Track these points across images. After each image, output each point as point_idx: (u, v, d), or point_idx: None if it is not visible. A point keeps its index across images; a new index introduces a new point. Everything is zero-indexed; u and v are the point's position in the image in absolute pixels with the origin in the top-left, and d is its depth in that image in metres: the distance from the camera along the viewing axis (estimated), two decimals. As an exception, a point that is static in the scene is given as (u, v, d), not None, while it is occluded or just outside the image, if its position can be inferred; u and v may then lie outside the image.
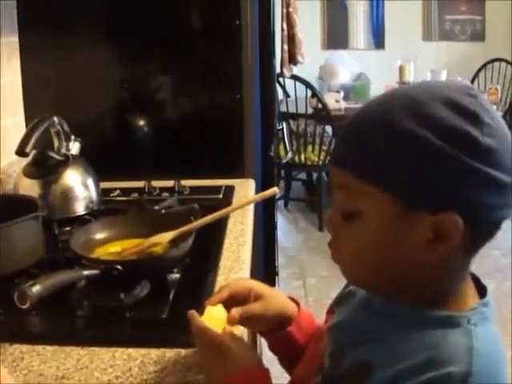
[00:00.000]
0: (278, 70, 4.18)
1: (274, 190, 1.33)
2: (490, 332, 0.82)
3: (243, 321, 1.03)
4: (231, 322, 1.01)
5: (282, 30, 4.51)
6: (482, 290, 0.87)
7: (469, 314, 0.81)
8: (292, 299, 1.11)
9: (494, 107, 0.85)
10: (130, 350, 1.09)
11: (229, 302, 1.04)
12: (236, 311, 1.02)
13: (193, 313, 0.99)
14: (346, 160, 0.81)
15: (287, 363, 1.12)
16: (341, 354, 0.87)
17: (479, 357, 0.76)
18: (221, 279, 1.36)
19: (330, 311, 1.02)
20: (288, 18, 4.53)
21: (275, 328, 1.08)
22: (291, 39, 4.61)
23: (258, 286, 1.09)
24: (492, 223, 0.80)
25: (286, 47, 4.58)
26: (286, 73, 4.67)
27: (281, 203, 5.32)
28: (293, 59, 4.68)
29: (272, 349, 1.12)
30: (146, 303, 1.25)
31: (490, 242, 0.82)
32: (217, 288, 1.30)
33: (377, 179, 0.78)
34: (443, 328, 0.79)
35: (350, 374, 0.84)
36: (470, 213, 0.77)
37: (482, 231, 0.80)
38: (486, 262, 3.98)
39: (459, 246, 0.79)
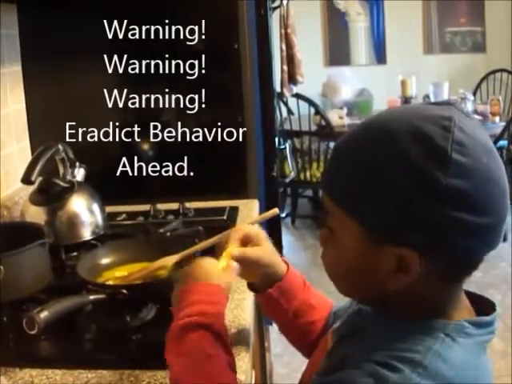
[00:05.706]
0: (278, 90, 4.20)
1: (275, 210, 1.34)
2: (463, 348, 0.80)
3: (238, 260, 1.09)
4: (229, 256, 1.08)
5: (281, 50, 4.54)
6: (483, 312, 0.86)
7: (445, 323, 0.81)
8: (283, 260, 1.19)
9: (486, 134, 0.83)
10: (137, 372, 1.11)
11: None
12: (236, 250, 1.10)
13: None
14: (327, 186, 0.89)
15: (281, 327, 1.22)
16: (334, 349, 0.94)
17: (437, 358, 0.76)
18: (225, 300, 1.36)
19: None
20: (287, 39, 4.55)
21: (264, 283, 1.16)
22: (290, 60, 4.63)
23: (262, 236, 1.16)
24: (466, 259, 0.81)
25: (285, 68, 4.59)
26: (287, 93, 4.69)
27: (288, 220, 5.33)
28: (292, 79, 4.70)
29: (264, 312, 1.21)
30: (152, 326, 1.27)
31: (469, 275, 0.84)
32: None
33: (347, 208, 0.83)
34: (419, 333, 0.80)
35: (334, 364, 0.87)
36: (432, 250, 0.78)
37: (453, 265, 0.81)
38: (493, 273, 3.98)
39: (430, 277, 0.80)
